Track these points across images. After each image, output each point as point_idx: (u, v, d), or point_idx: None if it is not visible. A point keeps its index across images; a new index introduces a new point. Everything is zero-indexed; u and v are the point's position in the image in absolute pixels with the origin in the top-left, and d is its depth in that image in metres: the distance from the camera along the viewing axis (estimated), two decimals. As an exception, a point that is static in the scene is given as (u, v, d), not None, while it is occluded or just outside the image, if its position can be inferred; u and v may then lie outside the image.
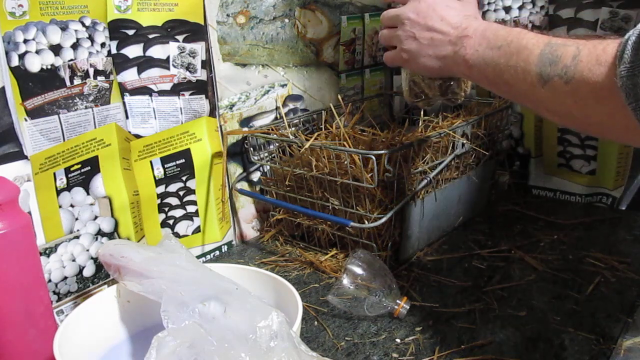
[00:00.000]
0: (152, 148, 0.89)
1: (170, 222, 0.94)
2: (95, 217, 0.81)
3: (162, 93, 0.88)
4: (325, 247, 1.00)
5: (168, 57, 0.87)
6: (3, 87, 0.70)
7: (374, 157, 0.83)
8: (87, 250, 0.81)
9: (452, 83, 0.75)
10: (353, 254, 0.80)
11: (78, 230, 0.80)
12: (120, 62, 0.83)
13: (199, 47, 0.91)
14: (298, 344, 0.54)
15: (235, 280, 0.63)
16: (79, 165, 0.79)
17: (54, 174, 0.76)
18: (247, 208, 1.09)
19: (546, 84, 0.55)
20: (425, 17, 0.69)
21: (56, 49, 0.74)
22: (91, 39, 0.78)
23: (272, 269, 0.94)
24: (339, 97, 1.13)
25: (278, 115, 1.10)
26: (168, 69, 0.88)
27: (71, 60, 0.75)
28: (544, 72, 0.55)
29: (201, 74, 0.92)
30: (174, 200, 0.94)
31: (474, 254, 0.97)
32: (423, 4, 0.70)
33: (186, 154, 0.93)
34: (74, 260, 0.79)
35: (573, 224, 1.06)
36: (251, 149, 1.03)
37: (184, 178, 0.94)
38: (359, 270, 0.78)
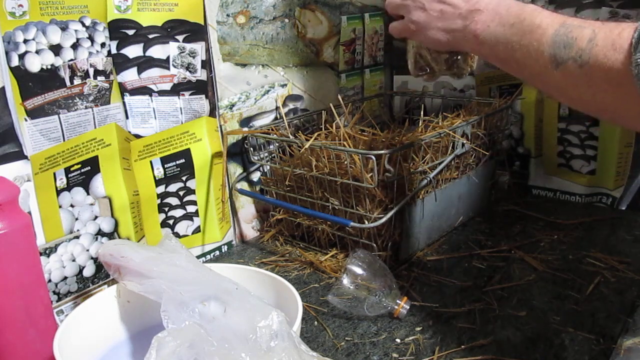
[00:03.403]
0: (152, 148, 0.89)
1: (170, 222, 0.94)
2: (95, 217, 0.81)
3: (162, 93, 0.88)
4: (325, 247, 1.00)
5: (168, 57, 0.87)
6: (3, 87, 0.70)
7: (374, 157, 0.83)
8: (87, 250, 0.81)
9: (459, 57, 0.74)
10: (353, 254, 0.80)
11: (78, 230, 0.80)
12: (120, 62, 0.83)
13: (199, 47, 0.91)
14: (298, 343, 0.54)
15: (235, 280, 0.63)
16: (79, 165, 0.79)
17: (54, 174, 0.76)
18: (247, 208, 1.09)
19: (559, 66, 0.54)
20: None
21: (56, 49, 0.74)
22: (91, 39, 0.78)
23: (272, 269, 0.94)
24: (339, 97, 1.13)
25: (278, 115, 1.10)
26: (168, 69, 0.88)
27: (71, 60, 0.75)
28: (558, 54, 0.54)
29: (201, 74, 0.92)
30: (174, 200, 0.94)
31: (474, 254, 0.97)
32: None
33: (186, 154, 0.93)
34: (74, 260, 0.79)
35: (573, 224, 1.06)
36: (251, 149, 1.03)
37: (184, 178, 0.94)
38: (359, 270, 0.78)
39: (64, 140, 0.77)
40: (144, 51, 0.85)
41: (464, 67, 0.75)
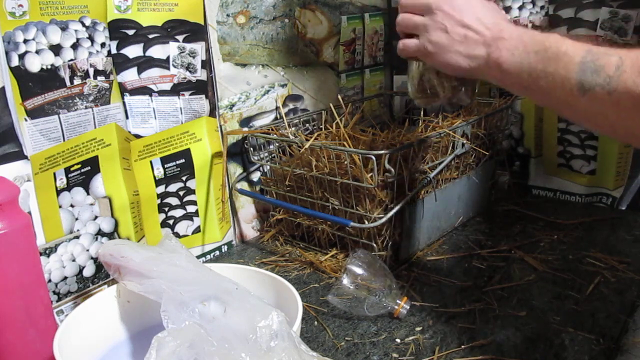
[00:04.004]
0: (152, 148, 0.89)
1: (170, 222, 0.94)
2: (95, 217, 0.81)
3: (162, 93, 0.88)
4: (325, 247, 1.00)
5: (168, 57, 0.87)
6: (3, 87, 0.70)
7: (374, 157, 0.83)
8: (87, 250, 0.81)
9: (466, 88, 0.72)
10: (353, 254, 0.80)
11: (78, 230, 0.80)
12: (120, 62, 0.83)
13: (199, 47, 0.91)
14: (298, 343, 0.54)
15: (235, 280, 0.63)
16: (79, 165, 0.79)
17: (54, 174, 0.76)
18: (247, 208, 1.09)
19: (587, 93, 0.54)
20: (461, 11, 0.66)
21: (56, 49, 0.74)
22: (91, 39, 0.78)
23: (272, 269, 0.94)
24: (339, 97, 1.13)
25: (278, 115, 1.10)
26: (168, 69, 0.88)
27: (71, 60, 0.75)
28: (585, 81, 0.53)
29: (201, 74, 0.92)
30: (174, 200, 0.94)
31: (474, 254, 0.97)
32: (459, 1, 0.67)
33: (186, 154, 0.93)
34: (74, 260, 0.79)
35: (573, 224, 1.06)
36: (251, 149, 1.03)
37: (184, 178, 0.94)
38: (359, 270, 0.78)
39: (64, 140, 0.77)
40: (144, 51, 0.85)
41: (465, 98, 0.74)
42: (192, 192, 0.96)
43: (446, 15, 0.66)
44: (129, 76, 0.84)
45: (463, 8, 0.66)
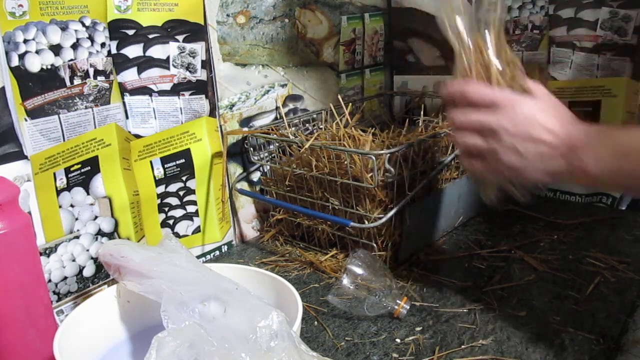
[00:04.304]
0: (152, 148, 0.89)
1: (170, 222, 0.94)
2: (95, 217, 0.81)
3: (162, 93, 0.88)
4: (325, 247, 1.00)
5: (168, 57, 0.87)
6: (3, 87, 0.70)
7: (374, 157, 0.83)
8: (87, 250, 0.81)
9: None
10: (353, 254, 0.80)
11: (78, 230, 0.80)
12: (120, 62, 0.83)
13: (199, 47, 0.91)
14: (298, 343, 0.54)
15: (235, 280, 0.63)
16: (79, 165, 0.79)
17: (54, 174, 0.76)
18: (247, 208, 1.09)
19: None
20: (526, 126, 0.61)
21: (56, 49, 0.74)
22: (91, 39, 0.78)
23: (272, 269, 0.94)
24: (339, 97, 1.13)
25: (278, 115, 1.10)
26: (168, 69, 0.88)
27: (71, 60, 0.75)
28: None
29: (201, 74, 0.92)
30: (174, 200, 0.94)
31: (474, 254, 0.97)
32: (519, 114, 0.62)
33: (186, 154, 0.93)
34: (74, 260, 0.79)
35: (573, 224, 1.06)
36: (251, 149, 1.03)
37: (184, 178, 0.94)
38: (359, 270, 0.78)
39: (64, 140, 0.77)
40: (144, 51, 0.85)
41: (545, 188, 0.71)
42: (192, 192, 0.96)
43: (512, 135, 0.62)
44: (129, 76, 0.84)
45: (527, 122, 0.62)
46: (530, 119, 0.62)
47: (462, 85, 0.66)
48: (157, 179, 0.90)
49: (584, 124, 0.62)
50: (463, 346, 0.71)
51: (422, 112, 1.16)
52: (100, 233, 0.82)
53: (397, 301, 0.77)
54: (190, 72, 0.90)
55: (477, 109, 0.65)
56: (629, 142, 0.57)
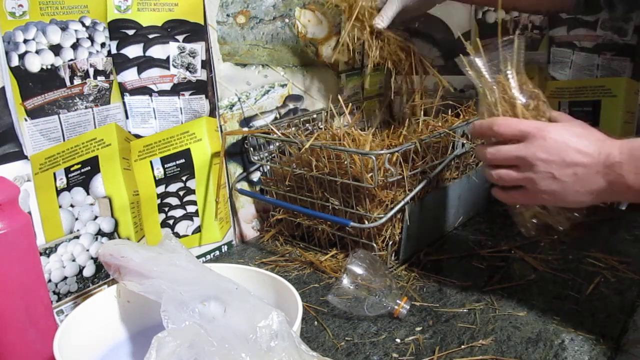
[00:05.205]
0: (152, 148, 0.89)
1: (170, 222, 0.94)
2: (95, 217, 0.81)
3: (162, 93, 0.88)
4: (325, 247, 1.00)
5: (168, 57, 0.87)
6: (3, 87, 0.70)
7: (374, 157, 0.83)
8: (87, 250, 0.81)
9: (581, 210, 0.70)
10: (353, 254, 0.80)
11: (78, 230, 0.80)
12: (120, 62, 0.83)
13: (199, 47, 0.91)
14: (298, 343, 0.54)
15: (235, 280, 0.63)
16: (79, 165, 0.79)
17: (54, 174, 0.76)
18: (247, 208, 1.09)
19: None
20: (559, 153, 0.63)
21: (56, 49, 0.74)
22: (91, 39, 0.78)
23: (272, 269, 0.94)
24: (339, 97, 1.13)
25: (278, 115, 1.10)
26: (168, 69, 0.88)
27: (71, 60, 0.75)
28: None
29: (201, 74, 0.92)
30: (174, 200, 0.94)
31: (474, 254, 0.97)
32: (550, 141, 0.63)
33: (186, 154, 0.93)
34: (74, 260, 0.79)
35: (573, 224, 1.06)
36: (251, 149, 1.03)
37: (184, 178, 0.94)
38: (359, 270, 0.78)
39: (64, 140, 0.77)
40: (144, 51, 0.85)
41: (583, 214, 0.71)
42: (192, 192, 0.96)
43: (547, 163, 0.63)
44: (129, 76, 0.84)
45: (560, 148, 0.63)
46: (562, 144, 0.63)
47: (490, 121, 0.68)
48: (157, 179, 0.90)
49: (614, 139, 0.63)
50: (463, 346, 0.71)
51: (422, 112, 1.16)
52: (100, 233, 0.82)
53: (397, 301, 0.77)
54: (190, 72, 0.90)
55: (507, 142, 0.67)
56: None
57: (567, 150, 0.63)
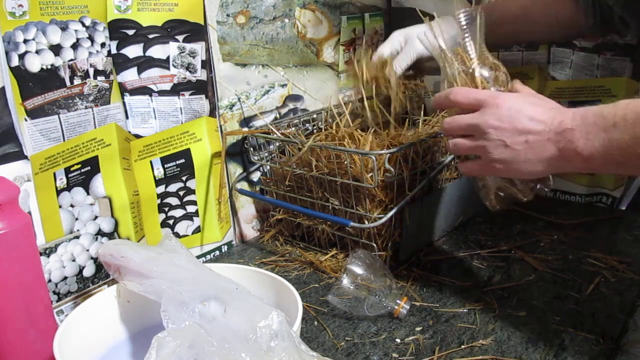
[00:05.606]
0: (152, 148, 0.89)
1: (170, 222, 0.94)
2: (95, 217, 0.81)
3: (162, 93, 0.88)
4: (325, 247, 1.00)
5: (168, 57, 0.87)
6: (3, 87, 0.70)
7: (374, 157, 0.83)
8: (87, 250, 0.81)
9: (544, 181, 0.70)
10: (353, 254, 0.80)
11: (78, 230, 0.80)
12: (120, 62, 0.83)
13: (199, 47, 0.91)
14: (298, 343, 0.54)
15: (235, 280, 0.63)
16: (79, 165, 0.79)
17: (54, 174, 0.76)
18: (247, 208, 1.09)
19: None
20: (511, 121, 0.63)
21: (56, 49, 0.74)
22: (91, 39, 0.78)
23: (272, 269, 0.94)
24: (339, 97, 1.13)
25: (278, 115, 1.10)
26: (168, 69, 0.88)
27: (71, 60, 0.75)
28: None
29: (201, 74, 0.92)
30: (174, 200, 0.94)
31: (474, 254, 0.97)
32: (503, 109, 0.63)
33: (186, 154, 0.93)
34: (74, 260, 0.79)
35: (573, 224, 1.06)
36: (251, 149, 1.03)
37: (184, 178, 0.94)
38: (359, 270, 0.78)
39: (64, 140, 0.77)
40: (144, 51, 0.85)
41: (548, 183, 0.70)
42: (192, 192, 0.96)
43: (499, 130, 0.63)
44: (129, 76, 0.84)
45: (512, 116, 0.63)
46: (515, 112, 0.63)
47: (447, 91, 0.68)
48: (157, 179, 0.90)
49: (570, 109, 0.62)
50: (463, 346, 0.71)
51: (422, 112, 1.16)
52: (100, 233, 0.82)
53: (397, 301, 0.77)
54: (190, 72, 0.90)
55: (464, 112, 0.67)
56: (616, 113, 0.57)
57: (520, 118, 0.62)
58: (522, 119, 0.62)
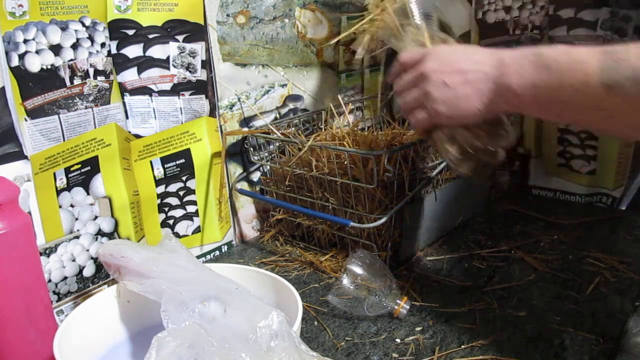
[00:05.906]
0: (152, 148, 0.89)
1: (170, 222, 0.94)
2: (95, 217, 0.81)
3: (162, 93, 0.88)
4: (325, 247, 1.00)
5: (168, 57, 0.87)
6: (3, 87, 0.70)
7: (373, 157, 0.83)
8: (87, 250, 0.81)
9: (498, 128, 0.68)
10: (353, 254, 0.80)
11: (78, 230, 0.80)
12: (120, 62, 0.83)
13: (199, 47, 0.91)
14: (298, 343, 0.54)
15: (235, 280, 0.63)
16: (79, 165, 0.79)
17: (54, 174, 0.76)
18: (247, 208, 1.09)
19: (614, 91, 0.52)
20: (450, 62, 0.64)
21: (56, 49, 0.74)
22: (91, 39, 0.78)
23: (272, 269, 0.94)
24: (339, 97, 1.13)
25: (278, 115, 1.10)
26: (168, 69, 0.88)
27: (71, 60, 0.75)
28: (612, 78, 0.52)
29: (201, 74, 0.92)
30: (174, 200, 0.94)
31: (474, 254, 0.97)
32: (443, 54, 0.65)
33: (186, 154, 0.93)
34: (74, 260, 0.79)
35: (573, 224, 1.06)
36: (251, 149, 1.03)
37: (184, 178, 0.94)
38: (359, 270, 0.78)
39: (64, 140, 0.77)
40: (144, 51, 0.85)
41: (504, 133, 0.68)
42: (192, 192, 0.96)
43: (439, 72, 0.64)
44: (129, 76, 0.84)
45: (452, 57, 0.64)
46: (455, 55, 0.65)
47: (397, 58, 0.71)
48: (157, 179, 0.90)
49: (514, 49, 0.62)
50: (463, 346, 0.71)
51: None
52: (100, 233, 0.82)
53: (397, 301, 0.77)
54: (190, 72, 0.90)
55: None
56: (553, 55, 0.57)
57: (459, 58, 0.64)
58: (461, 59, 0.64)
